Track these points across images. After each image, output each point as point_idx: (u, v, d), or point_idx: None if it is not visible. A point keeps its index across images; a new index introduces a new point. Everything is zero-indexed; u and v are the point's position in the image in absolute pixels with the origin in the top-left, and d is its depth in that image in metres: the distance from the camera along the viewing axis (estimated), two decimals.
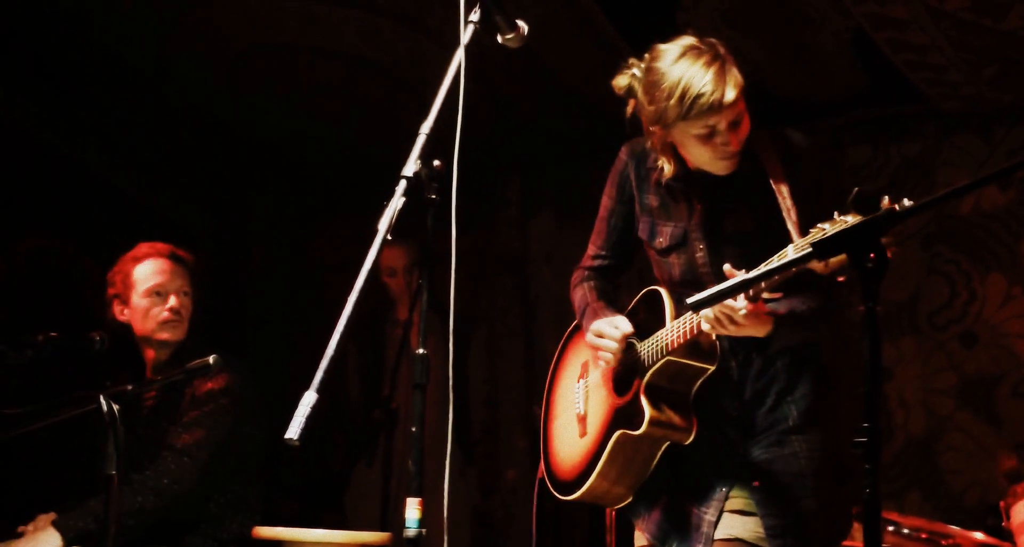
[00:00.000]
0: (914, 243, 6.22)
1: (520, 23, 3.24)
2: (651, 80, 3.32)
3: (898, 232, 2.44)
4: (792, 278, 2.89)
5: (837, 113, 6.38)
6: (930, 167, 6.31)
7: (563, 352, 4.06)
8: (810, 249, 2.50)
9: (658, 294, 3.54)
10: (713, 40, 3.33)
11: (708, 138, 3.30)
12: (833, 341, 3.50)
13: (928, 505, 6.00)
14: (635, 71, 3.40)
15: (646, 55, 3.38)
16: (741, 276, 2.81)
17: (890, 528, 4.14)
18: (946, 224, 6.23)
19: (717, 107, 3.22)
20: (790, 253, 2.86)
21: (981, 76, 5.82)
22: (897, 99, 6.17)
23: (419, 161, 2.86)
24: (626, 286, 3.83)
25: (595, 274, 3.84)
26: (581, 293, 3.82)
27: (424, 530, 2.76)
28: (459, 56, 3.03)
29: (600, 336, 3.60)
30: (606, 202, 3.75)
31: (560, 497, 3.78)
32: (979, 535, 4.13)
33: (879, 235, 2.38)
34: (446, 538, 2.98)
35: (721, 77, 3.22)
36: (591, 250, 3.85)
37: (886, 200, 2.44)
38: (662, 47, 3.34)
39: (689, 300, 2.73)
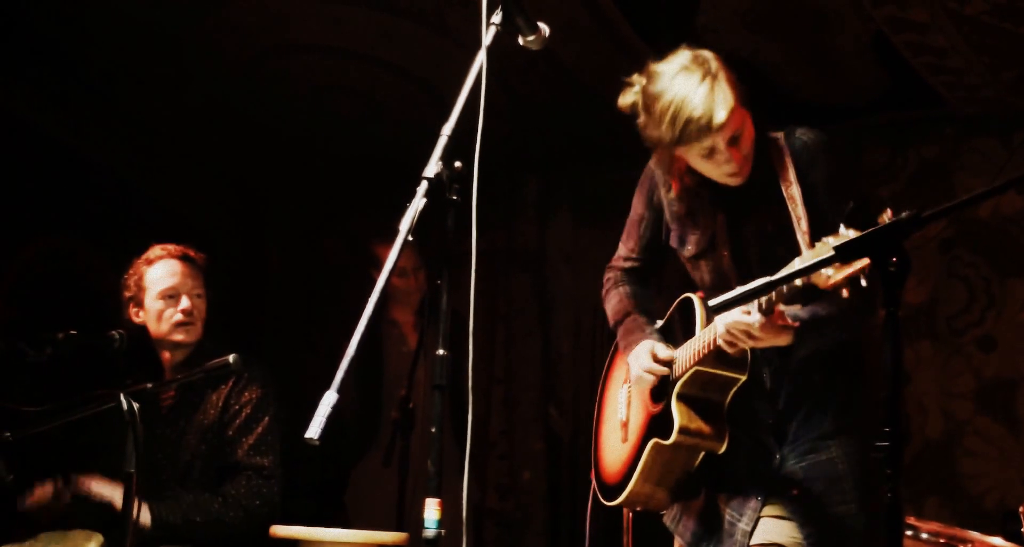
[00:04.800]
0: (933, 247, 6.20)
1: (541, 25, 3.25)
2: (645, 104, 3.33)
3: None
4: (808, 290, 2.88)
5: (856, 116, 6.37)
6: (948, 171, 6.29)
7: (613, 357, 4.07)
8: (832, 252, 2.49)
9: (691, 302, 3.55)
10: (707, 54, 3.32)
11: (709, 157, 3.31)
12: (867, 342, 3.49)
13: (946, 510, 5.97)
14: (637, 88, 3.40)
15: (643, 75, 3.38)
16: (762, 280, 2.81)
17: (908, 533, 4.11)
18: (965, 228, 6.20)
19: (708, 130, 3.22)
20: (796, 267, 2.85)
21: (1001, 80, 5.81)
22: (916, 102, 6.16)
23: (440, 162, 2.87)
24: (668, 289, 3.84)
25: (628, 277, 3.86)
26: (617, 299, 3.83)
27: (443, 531, 2.77)
28: (481, 58, 3.03)
29: (637, 357, 3.63)
30: (637, 207, 3.76)
31: (605, 502, 3.80)
32: (998, 540, 4.10)
33: (902, 239, 2.38)
34: (464, 539, 2.98)
35: (711, 97, 3.21)
36: (623, 250, 3.87)
37: (885, 215, 2.43)
38: (655, 68, 3.34)
39: (711, 303, 2.74)
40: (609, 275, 3.92)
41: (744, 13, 5.41)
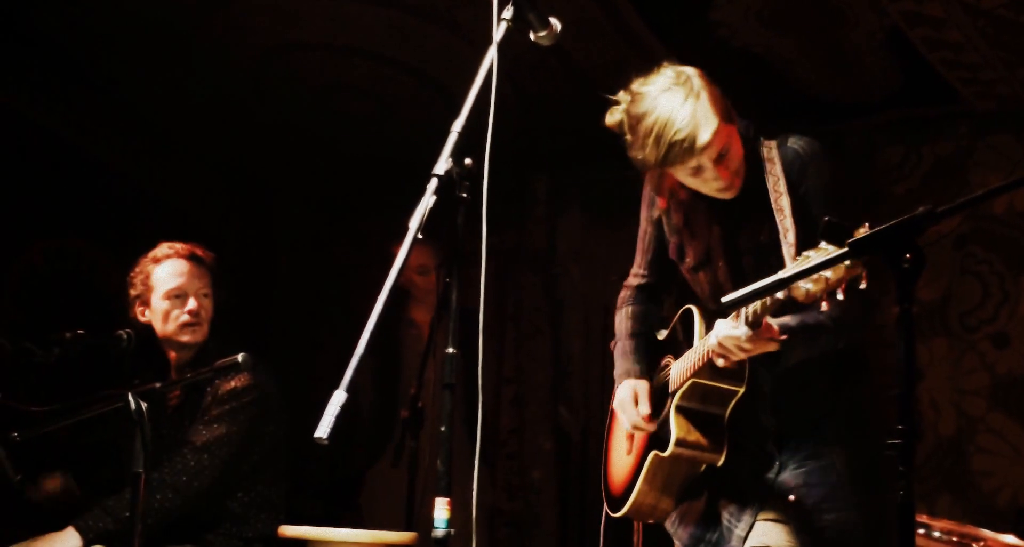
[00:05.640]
0: (947, 243, 6.18)
1: (553, 20, 3.22)
2: (630, 125, 3.31)
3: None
4: (789, 303, 2.84)
5: (870, 113, 6.35)
6: (963, 167, 6.27)
7: None
8: (846, 248, 2.47)
9: (691, 313, 3.53)
10: (690, 71, 3.29)
11: (697, 175, 3.29)
12: (870, 343, 3.47)
13: (959, 507, 5.95)
14: (623, 107, 3.37)
15: (628, 94, 3.35)
16: (774, 277, 2.78)
17: (920, 531, 4.10)
18: (979, 224, 6.18)
19: (691, 151, 3.20)
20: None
21: (1017, 75, 5.78)
22: (931, 99, 6.14)
23: (450, 159, 2.85)
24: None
25: (638, 295, 3.88)
26: (619, 319, 3.86)
27: (452, 530, 2.75)
28: (492, 54, 3.01)
29: (621, 405, 3.67)
30: (641, 222, 3.77)
31: (612, 514, 3.80)
32: (1011, 538, 4.09)
33: (916, 235, 2.36)
34: (474, 539, 2.96)
35: (694, 118, 3.18)
36: (634, 267, 3.90)
37: (862, 230, 2.41)
38: (638, 90, 3.31)
39: (724, 299, 2.72)
40: (622, 294, 3.92)
41: (758, 9, 5.38)
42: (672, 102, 3.20)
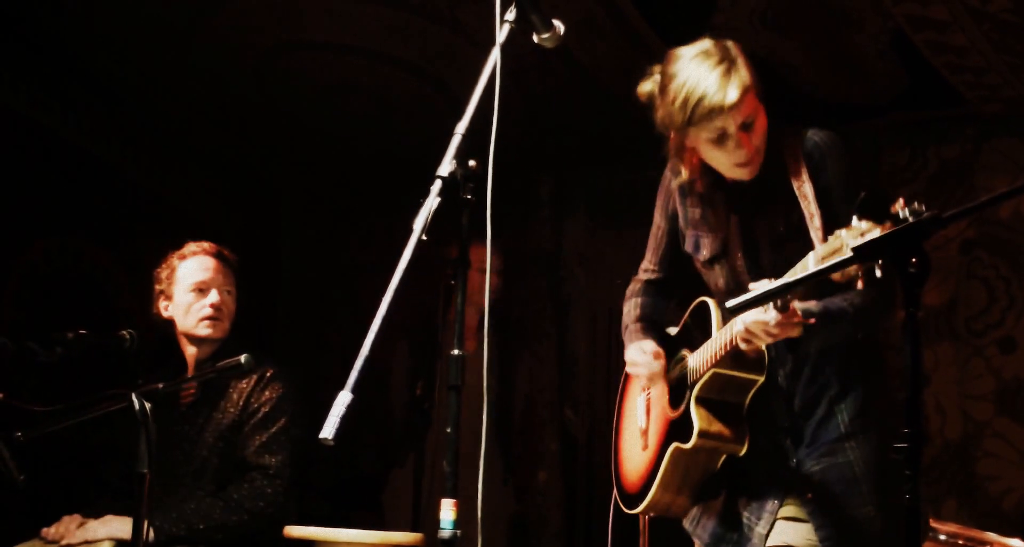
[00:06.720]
0: (953, 248, 6.17)
1: (556, 22, 3.21)
2: (662, 84, 3.31)
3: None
4: (822, 283, 2.84)
5: (875, 115, 6.34)
6: (969, 170, 6.26)
7: None
8: (850, 253, 2.46)
9: (706, 305, 3.53)
10: (729, 42, 3.31)
11: (720, 142, 3.28)
12: (886, 343, 3.46)
13: (965, 511, 5.95)
14: (656, 77, 3.38)
15: (662, 64, 3.36)
16: (781, 281, 2.78)
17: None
18: (985, 229, 6.17)
19: (719, 110, 3.19)
20: (811, 261, 2.82)
21: (1022, 78, 5.77)
22: (936, 102, 6.13)
23: (454, 161, 2.84)
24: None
25: (647, 289, 3.86)
26: (627, 309, 3.85)
27: (459, 531, 2.74)
28: (495, 55, 3.00)
29: (634, 364, 3.66)
30: (655, 218, 3.76)
31: (627, 510, 3.79)
32: (1017, 542, 4.10)
33: (922, 240, 2.35)
34: (480, 540, 2.95)
35: (725, 79, 3.19)
36: (644, 263, 3.88)
37: (898, 204, 2.40)
38: (675, 51, 3.32)
39: (728, 304, 2.71)
40: (630, 287, 3.92)
41: (762, 11, 5.38)
42: (706, 64, 3.22)
